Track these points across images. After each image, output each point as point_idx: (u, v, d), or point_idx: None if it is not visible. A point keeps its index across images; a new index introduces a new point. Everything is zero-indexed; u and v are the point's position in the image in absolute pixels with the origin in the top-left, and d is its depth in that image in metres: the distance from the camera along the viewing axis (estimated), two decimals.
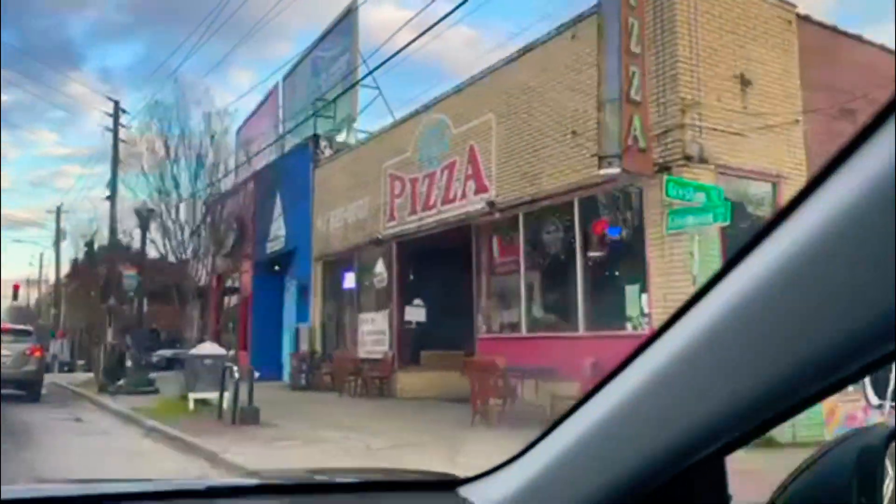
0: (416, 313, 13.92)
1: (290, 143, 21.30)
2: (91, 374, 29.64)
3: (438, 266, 13.18)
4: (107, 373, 21.00)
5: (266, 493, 1.11)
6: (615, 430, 0.70)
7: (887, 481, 0.82)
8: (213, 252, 25.48)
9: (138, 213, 17.13)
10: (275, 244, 20.62)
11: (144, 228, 17.22)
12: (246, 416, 10.23)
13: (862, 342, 0.52)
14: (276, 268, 21.70)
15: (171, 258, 18.71)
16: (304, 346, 17.66)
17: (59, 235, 47.31)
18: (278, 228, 20.50)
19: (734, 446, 0.67)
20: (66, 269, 48.30)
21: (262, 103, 27.23)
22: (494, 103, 11.42)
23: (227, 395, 11.49)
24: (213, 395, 11.98)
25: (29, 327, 18.84)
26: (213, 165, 17.65)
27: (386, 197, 14.51)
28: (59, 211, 46.32)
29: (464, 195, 12.03)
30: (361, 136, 17.92)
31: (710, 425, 0.62)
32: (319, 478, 1.34)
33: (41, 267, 56.40)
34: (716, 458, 0.71)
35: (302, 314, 18.52)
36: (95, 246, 34.49)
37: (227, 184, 24.21)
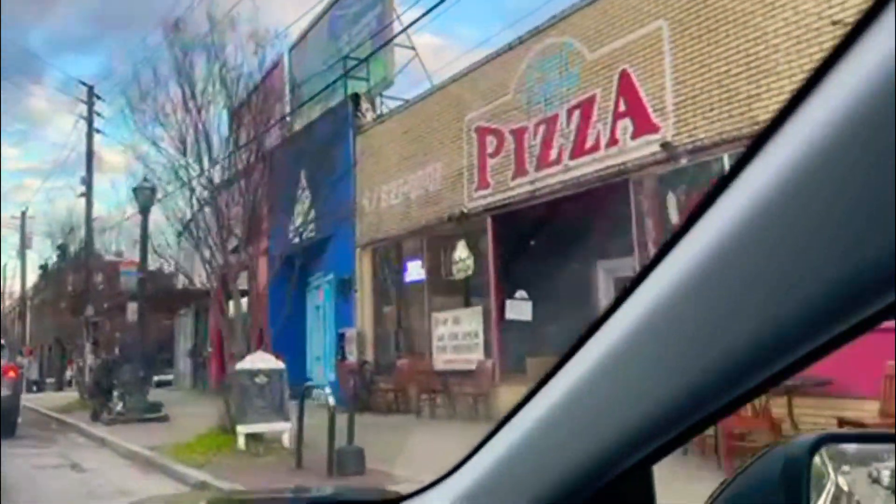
0: (519, 309, 10.57)
1: (306, 118, 17.89)
2: (66, 394, 25.79)
3: (555, 243, 9.86)
4: (94, 394, 17.34)
5: None
6: (541, 441, 0.68)
7: (828, 486, 0.82)
8: (217, 248, 21.98)
9: (138, 192, 13.54)
10: (299, 234, 17.11)
11: (146, 212, 13.63)
12: (347, 462, 6.77)
13: (792, 330, 0.47)
14: (298, 263, 18.21)
15: (165, 255, 15.25)
16: (350, 356, 14.18)
17: (24, 242, 43.09)
18: (303, 214, 16.99)
19: (661, 454, 0.64)
20: (32, 278, 44.09)
21: (263, 79, 23.56)
22: (663, 5, 8.19)
23: (281, 426, 8.13)
24: (271, 429, 8.55)
25: None
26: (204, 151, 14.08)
27: (472, 158, 11.17)
28: (23, 216, 42.06)
29: (613, 141, 8.75)
30: (393, 103, 14.63)
31: (637, 431, 0.59)
32: (257, 495, 1.52)
33: (4, 279, 51.88)
34: (643, 467, 0.67)
35: (343, 316, 15.01)
36: (70, 249, 30.36)
37: (226, 171, 20.83)
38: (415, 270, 12.82)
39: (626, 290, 0.58)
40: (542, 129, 9.82)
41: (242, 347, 9.97)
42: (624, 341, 0.57)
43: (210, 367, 21.91)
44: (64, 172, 43.56)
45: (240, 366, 8.97)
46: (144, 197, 13.61)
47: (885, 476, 0.90)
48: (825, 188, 0.43)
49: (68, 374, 45.32)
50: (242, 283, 15.34)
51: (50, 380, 39.79)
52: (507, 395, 10.37)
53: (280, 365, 9.12)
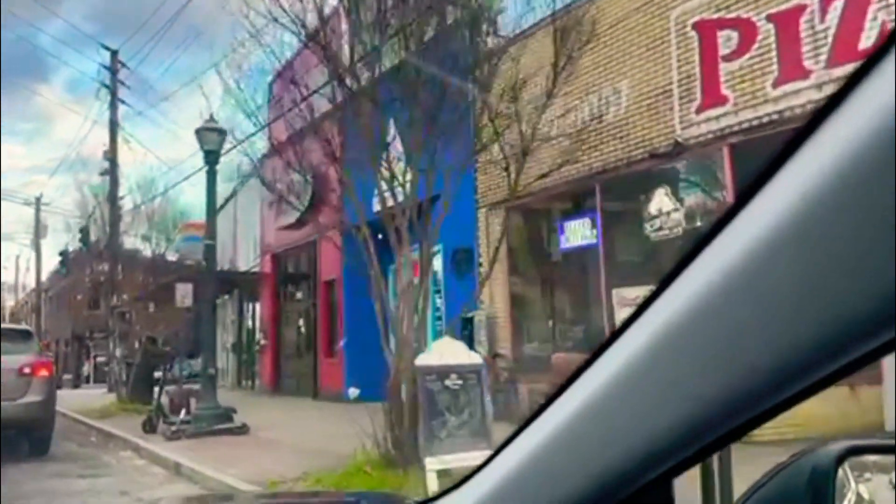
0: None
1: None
2: (88, 392, 22.70)
3: None
4: (138, 396, 14.20)
5: None
6: (559, 453, 0.66)
7: (849, 495, 0.82)
8: (273, 216, 18.70)
9: (203, 134, 10.35)
10: (388, 197, 13.87)
11: (212, 160, 10.44)
12: None
13: (849, 333, 0.46)
14: (381, 236, 15.00)
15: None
16: (479, 347, 10.94)
17: (38, 231, 40.08)
18: (395, 171, 13.75)
19: (683, 467, 0.62)
20: (48, 269, 41.14)
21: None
22: None
23: (483, 454, 4.88)
24: (470, 460, 5.31)
25: (27, 327, 12.01)
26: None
27: (688, 68, 7.92)
28: (38, 202, 39.00)
29: None
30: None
31: (661, 444, 0.58)
32: (265, 501, 1.42)
33: (17, 270, 49.00)
34: (664, 480, 0.65)
35: (457, 297, 11.74)
36: (91, 234, 27.15)
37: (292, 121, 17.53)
38: (579, 233, 9.57)
39: (647, 301, 0.57)
40: (818, 11, 6.56)
41: (409, 337, 6.81)
42: (647, 350, 0.57)
43: (262, 363, 18.73)
44: (71, 169, 40.68)
45: (422, 360, 5.73)
46: (211, 140, 10.43)
47: None
48: (835, 219, 0.44)
49: (85, 369, 42.45)
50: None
51: (67, 376, 36.84)
52: None
53: (477, 359, 5.89)
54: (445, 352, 5.77)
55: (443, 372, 5.45)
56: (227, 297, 22.76)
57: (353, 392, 15.27)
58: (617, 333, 0.60)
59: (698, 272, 0.52)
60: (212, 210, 10.50)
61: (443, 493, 0.85)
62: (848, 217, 0.43)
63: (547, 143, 9.88)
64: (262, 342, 18.45)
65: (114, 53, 24.82)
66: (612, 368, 0.59)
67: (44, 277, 42.11)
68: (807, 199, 0.45)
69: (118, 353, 20.31)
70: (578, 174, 9.33)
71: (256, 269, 19.89)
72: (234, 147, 11.00)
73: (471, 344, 10.87)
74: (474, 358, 5.96)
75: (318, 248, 16.39)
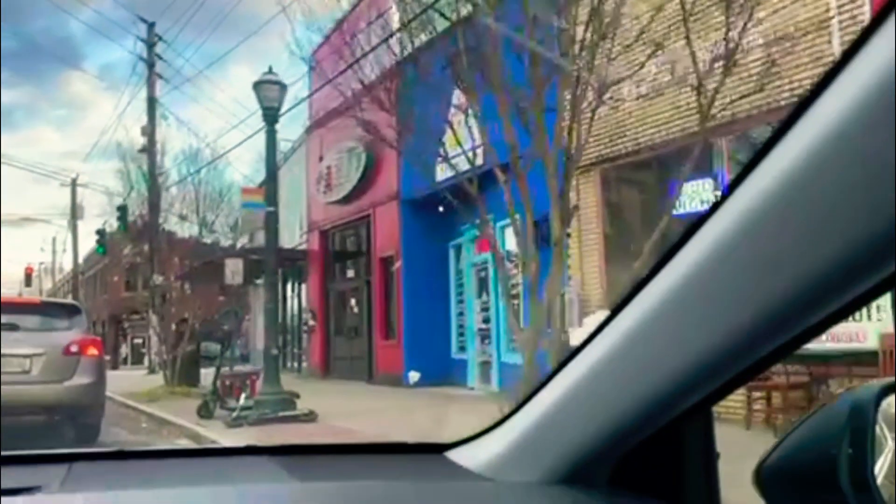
0: None
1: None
2: (129, 373, 22.04)
3: None
4: (182, 375, 13.32)
5: (254, 454, 1.12)
6: (600, 385, 0.70)
7: (891, 443, 0.83)
8: (320, 191, 17.61)
9: (261, 88, 9.27)
10: (456, 165, 12.70)
11: (272, 117, 9.35)
12: None
13: (852, 268, 0.51)
14: (442, 209, 13.87)
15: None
16: (572, 329, 9.76)
17: (74, 211, 39.59)
18: (459, 137, 12.56)
19: (721, 394, 0.67)
20: (84, 249, 40.72)
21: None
22: None
23: None
24: None
25: (74, 302, 11.16)
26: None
27: None
28: (74, 184, 38.46)
29: None
30: None
31: (694, 372, 0.62)
32: (313, 442, 1.80)
33: (54, 252, 48.78)
34: (702, 407, 0.70)
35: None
36: (131, 212, 26.37)
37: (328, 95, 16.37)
38: (698, 196, 8.32)
39: (671, 250, 0.61)
40: None
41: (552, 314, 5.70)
42: (672, 295, 0.61)
43: (311, 345, 17.77)
44: (104, 154, 40.15)
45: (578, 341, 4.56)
46: (271, 95, 9.35)
47: None
48: (840, 169, 0.49)
49: (122, 350, 42.11)
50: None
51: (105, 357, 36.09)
52: None
53: None
54: None
55: None
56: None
57: (414, 376, 14.25)
58: (659, 265, 0.63)
59: (722, 219, 0.57)
60: (272, 174, 9.44)
61: (476, 436, 0.89)
62: (851, 167, 0.48)
63: (657, 93, 8.65)
64: (311, 323, 17.48)
65: (151, 25, 23.94)
66: (647, 307, 0.63)
67: (80, 259, 41.71)
68: (813, 154, 0.50)
69: (157, 333, 19.55)
70: (699, 126, 8.06)
71: (302, 247, 18.92)
72: (292, 108, 9.95)
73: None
74: None
75: (373, 223, 15.33)
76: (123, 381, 15.72)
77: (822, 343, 6.81)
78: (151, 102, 23.40)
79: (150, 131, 23.29)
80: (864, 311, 6.62)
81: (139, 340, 38.54)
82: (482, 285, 12.71)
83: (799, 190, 0.51)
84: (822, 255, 0.50)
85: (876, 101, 0.47)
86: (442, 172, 13.03)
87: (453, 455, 0.94)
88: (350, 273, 16.95)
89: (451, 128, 12.46)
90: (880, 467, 0.79)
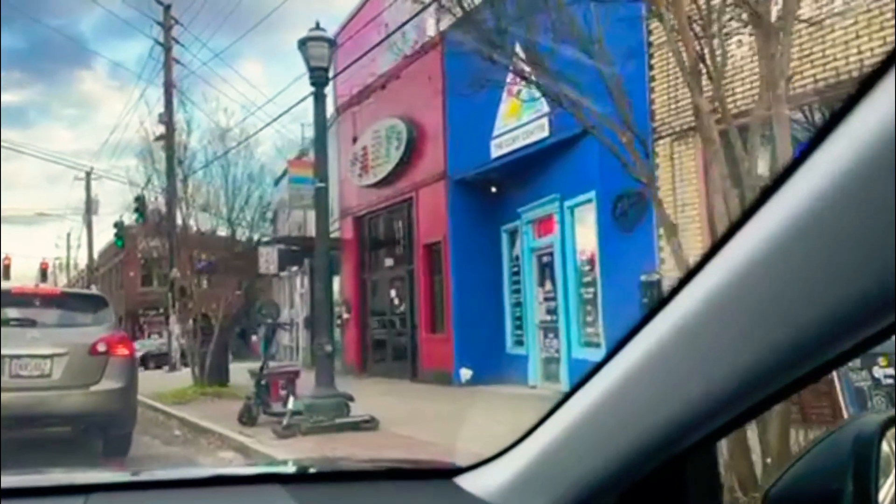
0: None
1: None
2: (150, 373, 20.97)
3: None
4: (212, 374, 12.20)
5: (257, 483, 1.11)
6: (607, 417, 0.69)
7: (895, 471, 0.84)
8: (355, 175, 16.23)
9: (308, 47, 8.01)
10: (514, 139, 11.42)
11: (322, 83, 8.10)
12: None
13: (855, 316, 0.51)
14: (494, 189, 12.59)
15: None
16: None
17: (90, 205, 38.63)
18: (515, 111, 11.28)
19: (726, 430, 0.66)
20: (99, 245, 39.80)
21: None
22: None
23: None
24: None
25: (101, 293, 9.99)
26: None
27: None
28: (88, 177, 37.47)
29: None
30: None
31: (701, 409, 0.62)
32: (312, 469, 1.36)
33: (68, 248, 47.91)
34: (708, 442, 0.71)
35: (620, 253, 9.27)
36: (148, 203, 25.22)
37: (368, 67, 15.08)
38: None
39: (688, 275, 0.60)
40: None
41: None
42: (682, 324, 0.60)
43: (346, 340, 16.54)
44: (117, 149, 38.99)
45: None
46: (318, 54, 8.10)
47: None
48: (845, 214, 0.49)
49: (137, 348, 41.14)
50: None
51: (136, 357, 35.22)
52: None
53: None
54: None
55: (871, 352, 3.08)
56: (295, 268, 20.64)
57: (466, 374, 12.99)
58: (665, 301, 0.62)
59: (732, 254, 0.57)
60: (322, 145, 8.19)
61: (483, 462, 0.89)
62: (857, 213, 0.48)
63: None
64: (345, 316, 16.25)
65: (167, 8, 22.80)
66: (660, 334, 0.62)
67: (95, 255, 40.80)
68: (820, 198, 0.50)
69: (177, 329, 18.46)
70: (837, 76, 6.75)
71: (335, 235, 17.68)
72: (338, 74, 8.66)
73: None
74: None
75: (416, 207, 14.08)
76: (146, 381, 14.57)
77: None
78: (168, 87, 22.30)
79: (167, 118, 22.19)
80: None
81: (157, 337, 37.58)
82: (545, 272, 11.42)
83: (804, 234, 0.51)
84: (823, 304, 0.51)
85: (879, 152, 0.47)
86: (498, 149, 11.81)
87: (463, 481, 0.94)
88: (389, 262, 15.71)
89: (516, 96, 11.22)
90: (884, 496, 0.80)
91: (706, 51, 4.16)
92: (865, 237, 0.48)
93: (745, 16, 4.24)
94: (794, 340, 0.53)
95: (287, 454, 6.41)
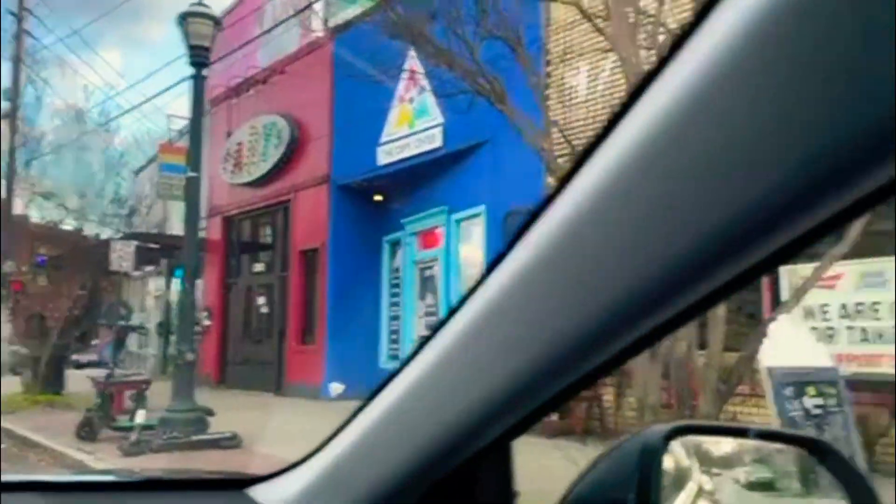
0: None
1: None
2: None
3: None
4: (46, 380, 10.88)
5: (31, 490, 0.97)
6: (399, 420, 0.68)
7: (691, 484, 0.87)
8: (227, 171, 15.04)
9: (190, 22, 7.23)
10: (404, 147, 11.02)
11: (203, 62, 7.33)
12: None
13: (632, 311, 0.48)
14: (379, 197, 12.10)
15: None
16: None
17: None
18: (408, 115, 10.94)
19: (520, 430, 0.64)
20: None
21: None
22: None
23: None
24: None
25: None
26: None
27: None
28: None
29: None
30: None
31: (488, 407, 0.59)
32: (92, 477, 1.28)
33: None
34: (501, 443, 0.68)
35: None
36: None
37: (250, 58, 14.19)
38: None
39: (489, 268, 0.58)
40: None
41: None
42: (475, 322, 0.58)
43: (204, 349, 15.31)
44: None
45: (773, 360, 3.04)
46: (200, 31, 7.33)
47: (750, 478, 0.96)
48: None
49: None
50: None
51: None
52: None
53: (828, 359, 3.27)
54: (791, 342, 3.12)
55: (801, 382, 2.88)
56: (151, 268, 19.05)
57: (337, 388, 12.31)
58: (463, 301, 0.60)
59: (527, 246, 0.53)
60: (197, 130, 7.40)
61: (280, 472, 0.86)
62: (631, 212, 0.44)
63: None
64: (206, 323, 15.09)
65: None
66: (452, 334, 0.60)
67: None
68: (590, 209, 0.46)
69: (6, 329, 16.55)
70: None
71: (200, 236, 16.46)
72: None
73: None
74: (823, 355, 3.37)
75: (293, 211, 13.33)
76: None
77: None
78: (16, 63, 20.22)
79: (12, 97, 20.08)
80: None
81: None
82: (427, 286, 11.07)
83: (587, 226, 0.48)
84: (600, 299, 0.47)
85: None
86: (386, 156, 11.37)
87: (256, 491, 0.90)
88: (259, 267, 14.80)
89: (408, 103, 10.85)
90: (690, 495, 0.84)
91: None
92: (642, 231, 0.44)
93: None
94: (578, 332, 0.50)
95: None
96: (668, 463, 0.88)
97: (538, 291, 0.53)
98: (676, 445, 0.87)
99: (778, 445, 1.02)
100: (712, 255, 0.44)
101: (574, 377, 0.55)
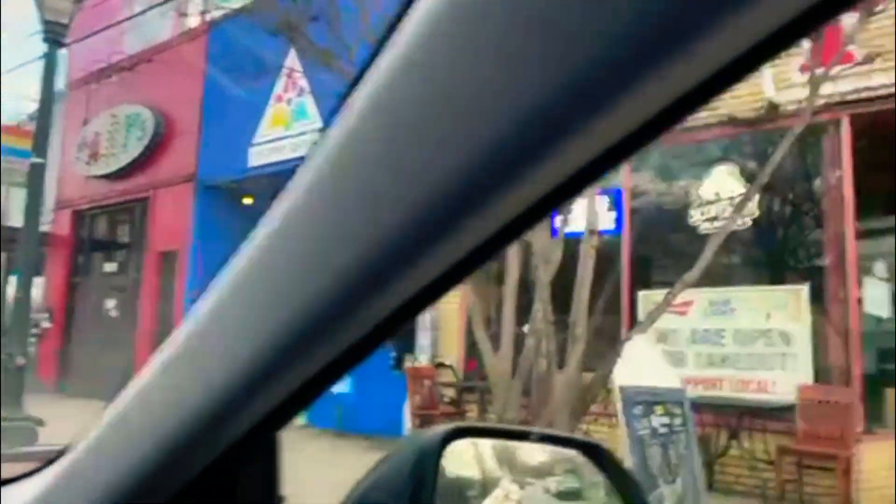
0: (878, 298, 5.74)
1: None
2: None
3: None
4: None
5: None
6: (138, 416, 0.62)
7: (497, 491, 0.88)
8: (81, 161, 13.80)
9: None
10: (279, 150, 10.66)
11: (58, 41, 6.74)
12: None
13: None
14: (249, 201, 11.60)
15: None
16: (421, 355, 8.22)
17: None
18: (285, 117, 10.62)
19: (277, 422, 0.58)
20: None
21: None
22: None
23: None
24: None
25: None
26: None
27: None
28: None
29: None
30: None
31: (229, 396, 0.54)
32: None
33: None
34: (260, 438, 0.60)
35: None
36: None
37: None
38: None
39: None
40: None
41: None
42: (217, 304, 0.55)
43: (42, 353, 14.05)
44: None
45: (627, 378, 3.06)
46: (58, 7, 6.74)
47: (560, 488, 0.97)
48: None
49: None
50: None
51: None
52: (877, 459, 5.44)
53: (677, 380, 3.36)
54: (644, 363, 3.19)
55: (650, 401, 2.94)
56: None
57: None
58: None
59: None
60: (47, 112, 6.76)
61: (23, 476, 0.79)
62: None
63: None
64: (45, 325, 13.88)
65: None
66: (180, 337, 0.58)
67: None
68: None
69: None
70: None
71: (45, 229, 15.14)
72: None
73: (412, 349, 8.26)
74: (672, 377, 3.46)
75: (153, 209, 12.55)
76: None
77: (739, 393, 6.18)
78: None
79: None
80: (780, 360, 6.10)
81: None
82: None
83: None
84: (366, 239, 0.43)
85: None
86: (258, 158, 10.95)
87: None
88: (110, 267, 13.80)
89: (286, 103, 10.52)
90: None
91: None
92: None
93: None
94: (312, 312, 0.47)
95: None
96: (474, 470, 0.88)
97: (269, 275, 0.51)
98: (488, 453, 0.87)
99: (574, 452, 1.02)
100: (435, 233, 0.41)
101: (318, 361, 0.51)
